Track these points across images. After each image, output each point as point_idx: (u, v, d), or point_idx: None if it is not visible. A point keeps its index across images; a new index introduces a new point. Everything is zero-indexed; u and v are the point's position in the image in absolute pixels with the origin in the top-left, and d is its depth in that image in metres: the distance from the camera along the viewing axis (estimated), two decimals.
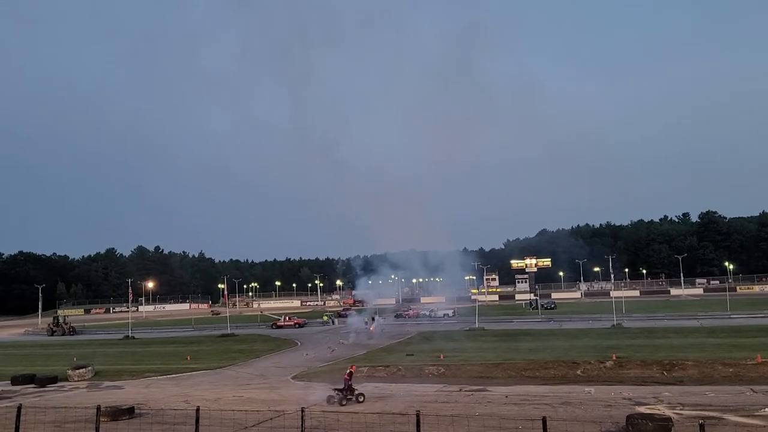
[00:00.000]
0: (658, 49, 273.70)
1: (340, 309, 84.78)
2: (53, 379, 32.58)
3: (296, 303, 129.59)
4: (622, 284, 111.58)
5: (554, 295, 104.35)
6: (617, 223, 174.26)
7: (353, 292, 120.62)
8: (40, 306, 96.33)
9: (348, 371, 24.38)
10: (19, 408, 16.43)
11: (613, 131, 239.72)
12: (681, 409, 20.54)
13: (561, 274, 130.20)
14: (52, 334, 72.18)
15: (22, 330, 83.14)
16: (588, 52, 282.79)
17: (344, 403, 22.96)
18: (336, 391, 23.48)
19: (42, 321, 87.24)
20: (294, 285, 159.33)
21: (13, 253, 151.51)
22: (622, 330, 47.95)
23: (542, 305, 77.82)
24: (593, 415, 20.13)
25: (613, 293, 67.11)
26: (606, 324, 51.73)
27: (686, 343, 37.23)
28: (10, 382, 32.32)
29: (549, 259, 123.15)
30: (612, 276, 73.89)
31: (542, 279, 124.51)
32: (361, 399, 23.58)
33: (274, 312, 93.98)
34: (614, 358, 30.69)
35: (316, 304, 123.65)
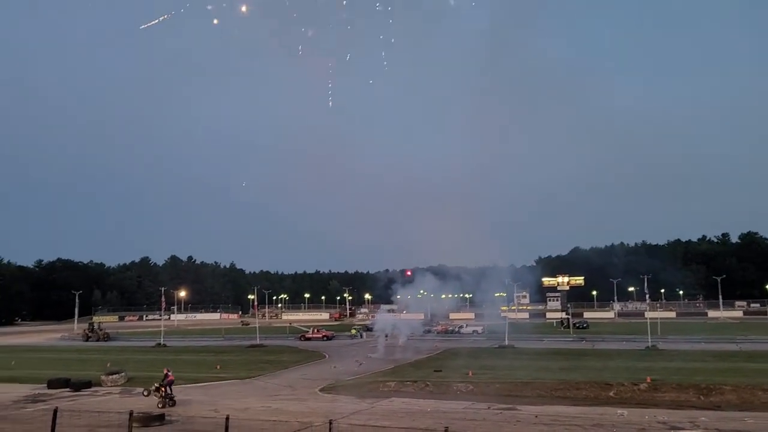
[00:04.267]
0: (701, 62, 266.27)
1: (368, 322, 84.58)
2: (87, 384, 33.29)
3: (325, 315, 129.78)
4: (658, 305, 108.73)
5: (586, 315, 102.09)
6: (653, 242, 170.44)
7: (381, 306, 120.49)
8: (76, 312, 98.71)
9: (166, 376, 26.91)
10: (56, 411, 16.88)
11: (649, 147, 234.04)
12: None
13: (594, 293, 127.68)
14: (87, 340, 73.83)
15: (58, 335, 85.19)
16: (625, 61, 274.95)
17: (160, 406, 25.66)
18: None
19: (78, 327, 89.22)
20: (323, 297, 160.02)
21: (51, 260, 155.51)
22: (657, 352, 46.77)
23: (574, 324, 76.39)
24: None
25: (648, 314, 65.31)
26: (640, 345, 50.51)
27: (724, 368, 36.10)
28: (46, 385, 33.16)
29: (582, 278, 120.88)
30: (647, 296, 71.92)
31: (574, 297, 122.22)
32: (162, 406, 25.64)
33: (302, 324, 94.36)
34: (649, 380, 29.91)
35: (344, 317, 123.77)
